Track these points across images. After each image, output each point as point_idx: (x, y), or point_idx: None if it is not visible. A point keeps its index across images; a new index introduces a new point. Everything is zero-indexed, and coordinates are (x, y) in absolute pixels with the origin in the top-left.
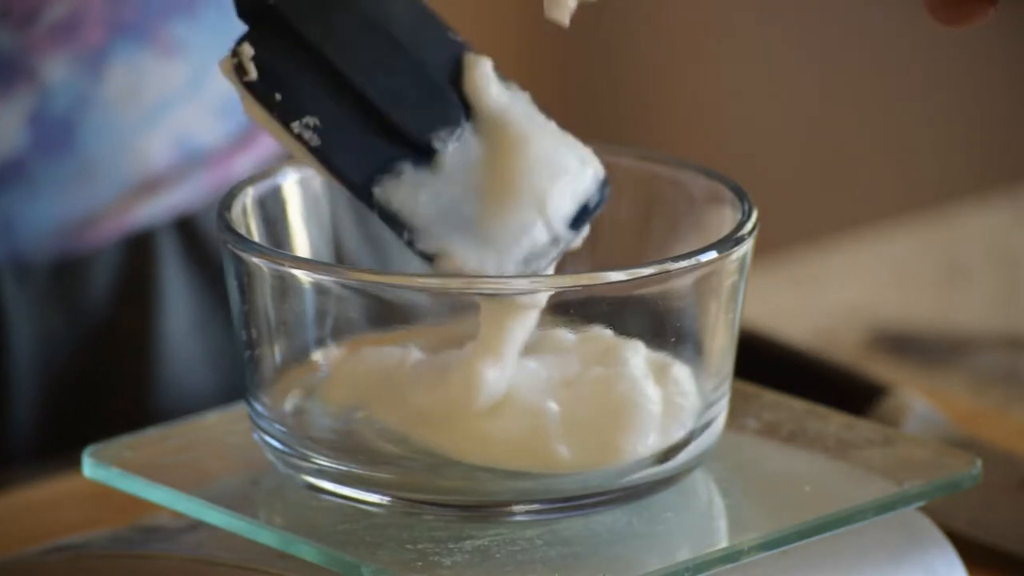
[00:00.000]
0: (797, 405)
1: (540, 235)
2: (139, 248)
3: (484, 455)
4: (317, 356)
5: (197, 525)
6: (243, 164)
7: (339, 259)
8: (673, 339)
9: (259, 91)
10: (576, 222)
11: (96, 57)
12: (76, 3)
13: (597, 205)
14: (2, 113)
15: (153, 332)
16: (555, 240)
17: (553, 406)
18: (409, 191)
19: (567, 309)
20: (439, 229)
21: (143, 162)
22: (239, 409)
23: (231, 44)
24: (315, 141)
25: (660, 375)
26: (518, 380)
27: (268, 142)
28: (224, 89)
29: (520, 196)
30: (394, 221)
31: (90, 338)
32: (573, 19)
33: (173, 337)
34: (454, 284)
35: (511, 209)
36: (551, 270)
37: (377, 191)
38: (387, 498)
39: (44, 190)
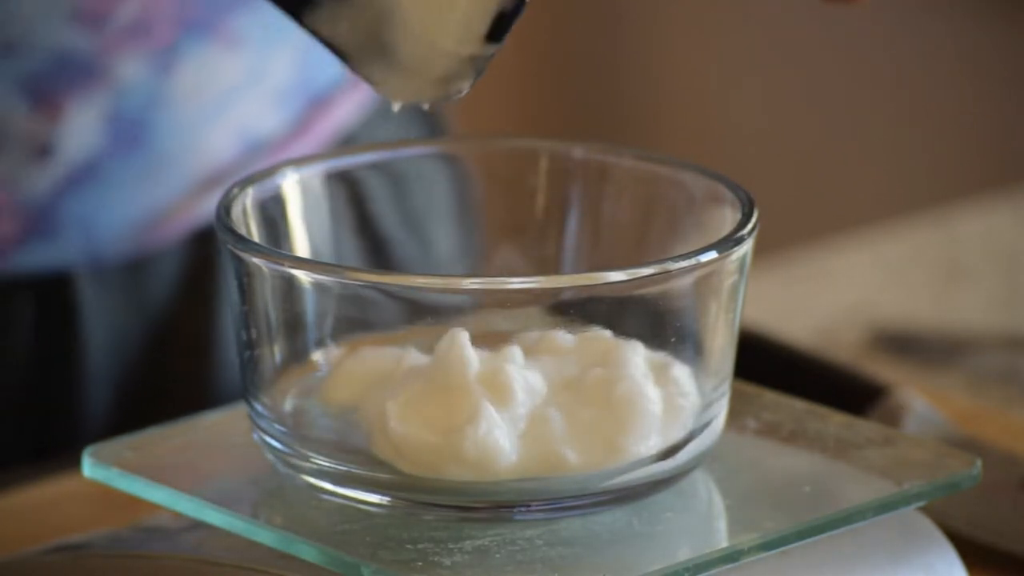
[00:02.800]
0: (797, 405)
1: (454, 53)
2: (203, 244)
3: (485, 474)
4: (317, 356)
5: (197, 525)
6: (299, 151)
7: (339, 259)
8: (673, 339)
9: None
10: (494, 34)
11: (167, 54)
12: (147, 2)
13: (515, 12)
14: (80, 114)
15: (215, 329)
16: (472, 57)
17: (555, 412)
18: (330, 19)
19: (567, 309)
20: (364, 56)
21: (209, 156)
22: (239, 409)
23: (289, 33)
24: None
25: (660, 375)
26: (519, 387)
27: (323, 128)
28: (281, 78)
29: (427, 18)
30: (330, 48)
31: (156, 336)
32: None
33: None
34: (454, 284)
35: (420, 32)
36: (468, 87)
37: (308, 20)
38: (387, 498)
39: (118, 189)
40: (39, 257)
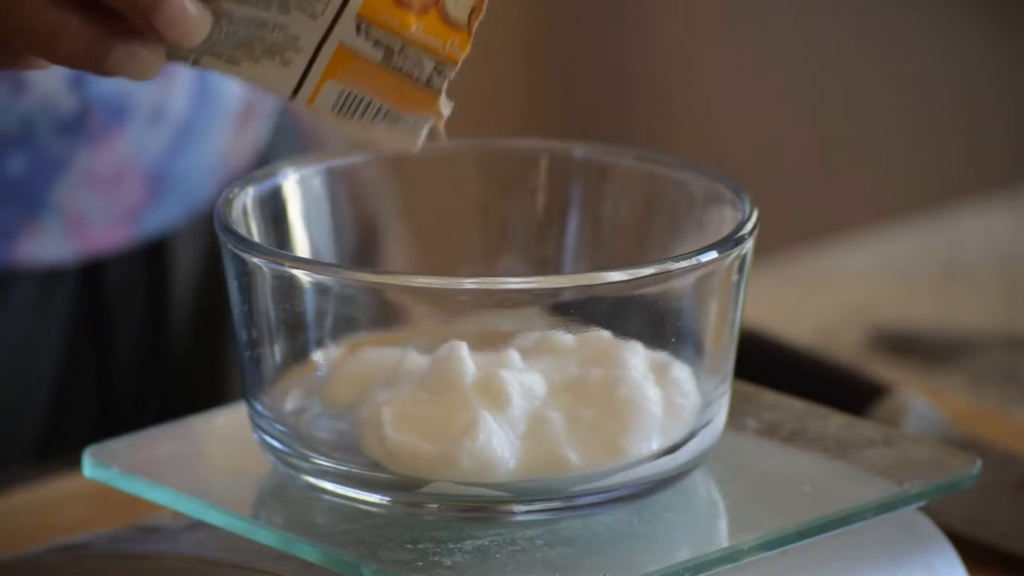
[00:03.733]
0: (797, 405)
1: None
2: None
3: (487, 477)
4: (317, 356)
5: (197, 525)
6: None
7: (339, 258)
8: (673, 339)
9: None
10: None
11: None
12: None
13: None
14: (182, 73)
15: None
16: None
17: (555, 413)
18: None
19: (567, 309)
20: None
21: (238, 91)
22: (239, 409)
23: None
24: None
25: (660, 375)
26: (517, 390)
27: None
28: None
29: None
30: None
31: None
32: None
33: None
34: (454, 284)
35: None
36: None
37: None
38: (387, 498)
39: (201, 139)
40: (158, 219)
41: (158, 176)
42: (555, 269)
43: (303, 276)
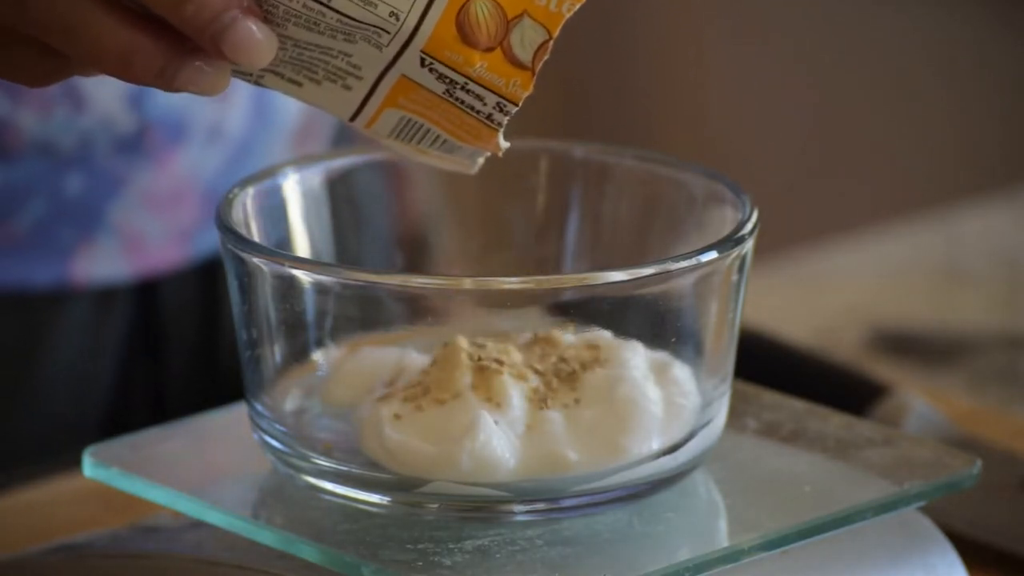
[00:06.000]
0: (797, 405)
1: None
2: None
3: (487, 477)
4: (317, 356)
5: (197, 525)
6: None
7: (339, 259)
8: (673, 339)
9: None
10: None
11: None
12: None
13: None
14: (240, 94)
15: None
16: None
17: (555, 413)
18: None
19: (567, 309)
20: None
21: (296, 109)
22: (239, 409)
23: None
24: None
25: (660, 375)
26: (517, 390)
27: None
28: None
29: None
30: None
31: None
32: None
33: None
34: (454, 284)
35: None
36: None
37: None
38: (387, 498)
39: (257, 159)
40: (213, 238)
41: (214, 195)
42: (555, 269)
43: (303, 276)
